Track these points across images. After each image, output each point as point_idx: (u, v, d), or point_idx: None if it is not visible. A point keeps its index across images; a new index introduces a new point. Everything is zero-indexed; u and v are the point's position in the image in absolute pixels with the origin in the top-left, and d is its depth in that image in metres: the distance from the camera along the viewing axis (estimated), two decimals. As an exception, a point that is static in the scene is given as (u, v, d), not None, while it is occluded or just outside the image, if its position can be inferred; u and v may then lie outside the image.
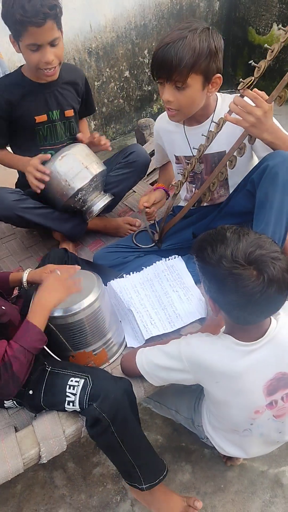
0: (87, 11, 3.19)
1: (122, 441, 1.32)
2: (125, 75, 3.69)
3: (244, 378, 1.23)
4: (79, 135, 2.00)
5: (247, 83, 1.43)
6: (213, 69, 1.49)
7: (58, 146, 2.00)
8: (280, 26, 3.88)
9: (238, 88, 1.43)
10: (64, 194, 1.86)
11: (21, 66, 1.90)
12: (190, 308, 1.64)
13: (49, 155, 1.90)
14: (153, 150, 2.46)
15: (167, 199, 2.01)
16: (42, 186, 1.82)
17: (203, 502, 1.60)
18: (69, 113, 1.99)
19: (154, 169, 2.48)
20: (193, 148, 1.65)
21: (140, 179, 2.18)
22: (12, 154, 1.99)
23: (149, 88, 3.93)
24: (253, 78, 1.42)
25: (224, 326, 1.33)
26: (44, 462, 1.33)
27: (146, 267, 1.77)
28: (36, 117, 1.92)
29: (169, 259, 1.80)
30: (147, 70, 3.82)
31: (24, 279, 1.51)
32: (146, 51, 3.73)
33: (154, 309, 1.65)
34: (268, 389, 1.25)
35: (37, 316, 1.30)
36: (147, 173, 2.38)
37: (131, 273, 1.76)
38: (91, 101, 2.13)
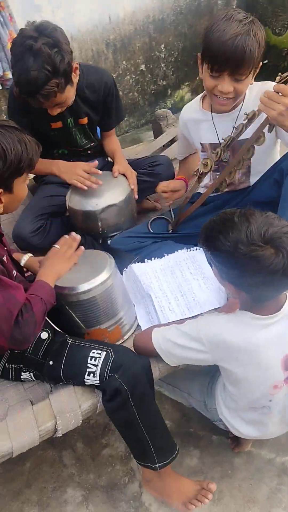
0: (107, 3, 3.22)
1: (139, 416, 1.34)
2: (140, 68, 3.71)
3: (263, 351, 1.25)
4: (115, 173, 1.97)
5: (285, 77, 1.44)
6: (260, 56, 1.53)
7: (79, 151, 2.05)
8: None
9: (276, 81, 1.44)
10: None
11: None
12: (209, 296, 1.65)
13: (96, 163, 1.91)
14: (169, 142, 2.48)
15: (186, 191, 2.03)
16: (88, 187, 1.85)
17: (210, 486, 1.62)
18: (83, 120, 2.00)
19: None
20: (222, 139, 1.66)
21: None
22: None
23: (164, 83, 3.95)
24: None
25: (239, 305, 1.34)
26: (59, 435, 1.34)
27: (167, 254, 1.79)
28: (51, 123, 1.94)
29: (190, 250, 1.81)
30: (163, 65, 3.84)
31: (22, 263, 1.56)
32: (162, 46, 3.75)
33: (173, 294, 1.66)
34: (286, 363, 1.27)
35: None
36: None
37: (152, 258, 1.78)
38: (118, 109, 2.07)
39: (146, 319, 1.66)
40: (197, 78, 4.17)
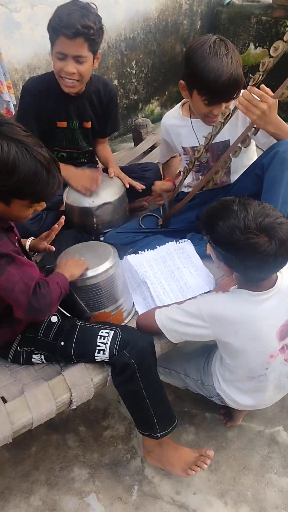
0: (82, 21, 3.39)
1: (145, 388, 1.47)
2: (113, 83, 3.89)
3: (260, 324, 1.41)
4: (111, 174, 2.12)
5: (257, 80, 1.64)
6: None
7: (76, 152, 2.18)
8: (256, 45, 4.21)
9: (250, 83, 1.64)
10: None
11: None
12: (199, 281, 1.81)
13: (100, 170, 2.07)
14: (149, 148, 2.66)
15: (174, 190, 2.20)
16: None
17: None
18: (87, 124, 2.16)
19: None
20: (203, 137, 1.84)
21: (149, 194, 2.32)
22: None
23: (135, 97, 4.15)
24: (261, 73, 1.63)
25: (236, 284, 1.51)
26: (74, 407, 1.45)
27: (159, 246, 1.94)
28: (57, 122, 2.08)
29: (179, 242, 1.97)
30: (134, 80, 4.04)
31: (27, 247, 1.67)
32: (133, 62, 3.96)
33: (167, 281, 1.81)
34: (281, 334, 1.44)
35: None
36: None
37: (145, 250, 1.92)
38: (115, 119, 2.24)
39: (143, 304, 1.79)
40: (165, 93, 4.40)
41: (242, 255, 1.31)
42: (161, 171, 2.34)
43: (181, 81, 1.81)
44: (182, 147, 2.05)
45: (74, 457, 1.79)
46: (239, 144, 1.77)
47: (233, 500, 1.65)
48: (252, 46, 4.26)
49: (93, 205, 1.99)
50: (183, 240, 1.98)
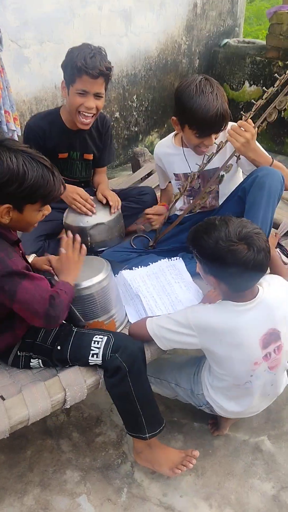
0: (87, 58, 3.64)
1: (134, 391, 1.57)
2: (115, 115, 4.13)
3: (243, 333, 1.54)
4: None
5: (248, 117, 1.84)
6: None
7: (72, 181, 2.35)
8: (251, 83, 4.46)
9: (243, 118, 1.84)
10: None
11: (60, 107, 2.26)
12: (189, 295, 1.94)
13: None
14: (146, 175, 2.85)
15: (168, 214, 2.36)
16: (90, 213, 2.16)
17: (194, 465, 1.83)
18: (88, 156, 2.35)
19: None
20: (196, 164, 2.02)
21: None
22: None
23: (136, 129, 4.37)
24: (250, 113, 1.83)
25: (221, 297, 1.64)
26: (68, 407, 1.56)
27: (151, 263, 2.08)
28: (59, 154, 2.26)
29: (171, 259, 2.11)
30: (135, 113, 4.27)
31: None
32: (134, 96, 4.20)
33: (158, 295, 1.94)
34: (263, 342, 1.56)
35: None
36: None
37: (139, 266, 2.05)
38: (110, 150, 2.43)
39: (135, 316, 1.92)
40: (165, 126, 4.63)
41: (226, 263, 1.46)
42: (158, 196, 2.51)
43: (173, 117, 2.01)
44: (174, 174, 2.22)
45: (67, 461, 1.88)
46: (222, 172, 1.94)
47: (217, 502, 1.73)
48: (247, 84, 4.51)
49: (87, 225, 2.15)
50: (175, 258, 2.12)
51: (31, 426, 1.92)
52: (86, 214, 2.16)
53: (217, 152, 1.93)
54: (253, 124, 1.85)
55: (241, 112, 1.91)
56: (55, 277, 1.70)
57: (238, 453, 1.91)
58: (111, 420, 2.03)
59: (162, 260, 2.09)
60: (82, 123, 2.13)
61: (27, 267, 1.52)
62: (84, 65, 1.96)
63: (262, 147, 1.96)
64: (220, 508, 1.72)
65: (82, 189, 2.24)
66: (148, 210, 2.28)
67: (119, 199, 2.29)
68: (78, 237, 1.74)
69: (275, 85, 1.82)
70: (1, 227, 1.48)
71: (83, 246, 1.73)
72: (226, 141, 1.88)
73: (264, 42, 4.47)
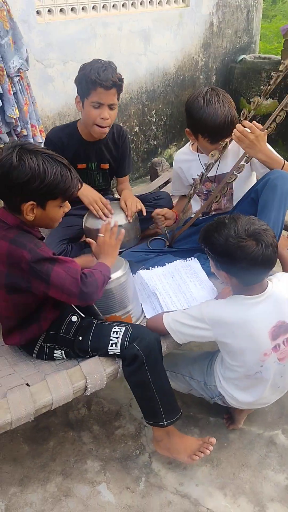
0: (107, 76, 3.82)
1: (151, 379, 1.66)
2: (135, 130, 4.28)
3: (253, 325, 1.62)
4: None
5: (246, 115, 1.96)
6: None
7: None
8: (267, 97, 4.56)
9: (240, 117, 1.96)
10: None
11: (77, 120, 2.41)
12: (204, 293, 2.03)
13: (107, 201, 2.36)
14: (164, 183, 2.97)
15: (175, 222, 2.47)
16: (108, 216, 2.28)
17: (209, 455, 1.89)
18: (105, 166, 2.48)
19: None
20: (204, 164, 2.14)
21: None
22: None
23: (155, 143, 4.52)
24: (251, 110, 1.95)
25: (232, 292, 1.73)
26: (88, 394, 1.66)
27: (167, 263, 2.18)
28: (78, 164, 2.40)
29: (187, 260, 2.21)
30: (154, 128, 4.42)
31: None
32: (153, 112, 4.36)
33: (174, 293, 2.03)
34: (272, 334, 1.64)
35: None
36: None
37: (156, 266, 2.16)
38: (128, 162, 2.55)
39: (152, 313, 2.01)
40: (183, 139, 4.77)
41: (236, 258, 1.56)
42: (174, 203, 2.62)
43: (187, 129, 2.16)
44: (193, 178, 2.34)
45: (88, 452, 1.96)
46: (235, 172, 2.05)
47: (232, 492, 1.79)
48: (263, 97, 4.62)
49: None
50: (190, 258, 2.22)
51: (53, 418, 2.05)
52: (101, 218, 2.28)
53: (220, 154, 2.07)
54: (261, 127, 1.96)
55: (242, 111, 2.01)
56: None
57: (253, 446, 1.96)
58: (130, 414, 2.11)
59: (177, 260, 2.19)
60: (99, 132, 2.26)
61: (55, 254, 1.64)
62: (98, 77, 2.09)
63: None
64: (235, 497, 1.77)
65: (101, 196, 2.36)
66: (157, 210, 2.38)
67: (140, 205, 2.39)
68: (116, 223, 1.86)
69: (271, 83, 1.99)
70: (26, 225, 1.60)
71: (122, 230, 1.84)
72: (231, 139, 1.99)
73: (279, 57, 4.59)
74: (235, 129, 1.95)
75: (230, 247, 1.57)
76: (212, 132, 2.01)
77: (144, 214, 2.37)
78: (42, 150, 1.54)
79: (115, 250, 1.80)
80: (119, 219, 2.30)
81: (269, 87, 2.00)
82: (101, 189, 2.55)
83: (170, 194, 2.69)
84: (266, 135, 1.96)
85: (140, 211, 2.37)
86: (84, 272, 1.60)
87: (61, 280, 1.54)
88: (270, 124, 1.98)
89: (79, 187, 1.64)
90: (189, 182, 2.42)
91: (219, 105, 1.97)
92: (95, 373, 1.66)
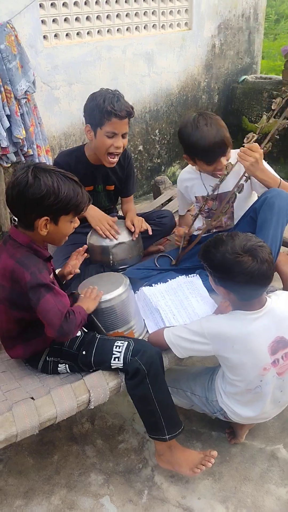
0: (112, 96, 3.92)
1: (153, 392, 1.70)
2: (139, 149, 4.37)
3: (253, 340, 1.66)
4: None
5: (251, 138, 2.03)
6: None
7: None
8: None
9: (245, 141, 2.03)
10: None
11: (84, 144, 2.48)
12: (206, 308, 2.07)
13: (116, 219, 2.45)
14: (167, 201, 3.04)
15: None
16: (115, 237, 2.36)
17: (211, 469, 1.92)
18: (110, 187, 2.57)
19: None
20: (210, 186, 2.21)
21: (164, 236, 2.71)
22: None
23: (158, 161, 4.61)
24: (255, 135, 2.04)
25: (231, 308, 1.78)
26: (92, 407, 1.70)
27: (170, 279, 2.23)
28: (85, 187, 2.46)
29: (189, 276, 2.26)
30: (157, 146, 4.51)
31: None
32: (157, 131, 4.45)
33: (176, 308, 2.08)
34: (272, 349, 1.68)
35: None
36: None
37: (158, 283, 2.21)
38: (132, 182, 2.64)
39: (155, 329, 2.05)
40: (187, 157, 4.85)
41: (232, 273, 1.61)
42: (177, 220, 2.69)
43: (184, 155, 2.25)
44: (195, 197, 2.41)
45: (92, 465, 1.99)
46: (235, 191, 2.12)
47: (234, 505, 1.81)
48: (264, 117, 4.70)
49: (109, 244, 2.33)
50: (192, 275, 2.27)
51: (58, 433, 2.09)
52: (108, 238, 2.35)
53: (227, 173, 2.12)
54: (260, 147, 2.05)
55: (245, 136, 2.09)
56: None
57: (255, 460, 1.98)
58: (133, 428, 2.15)
59: (180, 276, 2.24)
60: (110, 163, 2.34)
61: (54, 283, 1.70)
62: (113, 108, 2.16)
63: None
64: (237, 511, 1.79)
65: (109, 216, 2.44)
66: (178, 233, 2.47)
67: (146, 225, 2.46)
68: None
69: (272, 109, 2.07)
70: (37, 244, 1.68)
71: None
72: (236, 162, 2.06)
73: (280, 77, 4.69)
74: (239, 151, 2.03)
75: (227, 262, 1.62)
76: (205, 154, 2.11)
77: (150, 233, 2.44)
78: (55, 169, 1.63)
79: (94, 302, 1.84)
80: (123, 236, 2.37)
81: (272, 111, 2.09)
82: (107, 209, 2.62)
83: (173, 212, 2.75)
84: (263, 154, 2.03)
85: (146, 230, 2.43)
86: (69, 309, 1.66)
87: (48, 308, 1.60)
88: (265, 144, 2.07)
89: (88, 203, 1.73)
90: (191, 200, 2.48)
91: (206, 128, 2.06)
92: (98, 386, 1.70)
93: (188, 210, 2.65)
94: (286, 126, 2.09)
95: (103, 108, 2.17)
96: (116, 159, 2.35)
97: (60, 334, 1.64)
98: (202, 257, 1.75)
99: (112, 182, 2.54)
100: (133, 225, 2.43)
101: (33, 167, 1.59)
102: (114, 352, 1.73)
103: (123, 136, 2.28)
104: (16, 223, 1.70)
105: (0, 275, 1.65)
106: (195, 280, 2.24)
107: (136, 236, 2.41)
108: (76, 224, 1.72)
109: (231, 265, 1.61)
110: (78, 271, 1.99)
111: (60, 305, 1.62)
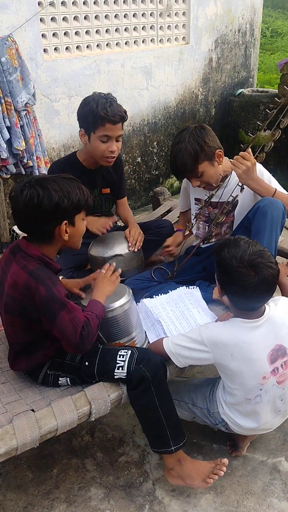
0: (111, 109, 3.95)
1: (158, 401, 1.69)
2: (137, 160, 4.40)
3: (252, 348, 1.66)
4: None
5: (245, 149, 2.06)
6: (210, 152, 2.14)
7: (96, 215, 2.56)
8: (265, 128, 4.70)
9: (241, 150, 2.06)
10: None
11: (76, 152, 2.50)
12: (206, 319, 2.07)
13: (115, 218, 2.49)
14: (166, 212, 3.04)
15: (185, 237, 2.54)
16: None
17: (213, 484, 1.89)
18: (106, 191, 2.57)
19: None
20: (205, 196, 2.24)
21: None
22: None
23: (156, 173, 4.63)
24: (248, 146, 2.06)
25: (232, 315, 1.78)
26: (92, 420, 1.68)
27: (170, 290, 2.23)
28: None
29: (189, 288, 2.26)
30: (155, 158, 4.54)
31: None
32: (155, 143, 4.48)
33: (178, 319, 2.07)
34: (271, 357, 1.67)
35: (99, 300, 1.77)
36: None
37: (159, 294, 2.21)
38: (122, 186, 2.66)
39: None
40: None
41: (230, 279, 1.62)
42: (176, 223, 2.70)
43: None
44: (195, 198, 2.45)
45: (92, 479, 1.97)
46: (229, 201, 2.17)
47: (236, 520, 1.79)
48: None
49: (107, 255, 2.34)
50: (192, 286, 2.26)
51: (57, 445, 2.06)
52: (101, 232, 2.39)
53: (222, 182, 2.20)
54: (252, 156, 2.08)
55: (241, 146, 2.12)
56: (83, 302, 1.87)
57: (256, 473, 1.96)
58: (133, 441, 2.12)
59: (180, 287, 2.24)
60: (108, 162, 2.35)
61: (67, 295, 1.70)
62: (106, 114, 2.18)
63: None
64: (239, 525, 1.77)
65: (102, 218, 2.47)
66: (168, 243, 2.45)
67: (141, 236, 2.45)
68: (113, 263, 1.95)
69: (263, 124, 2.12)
70: (48, 257, 1.69)
71: (119, 271, 1.92)
72: (230, 172, 2.09)
73: (276, 91, 4.75)
74: (233, 159, 2.05)
75: (229, 267, 1.63)
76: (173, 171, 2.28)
77: (135, 250, 2.42)
78: (53, 176, 1.69)
79: (112, 286, 1.85)
80: (121, 248, 2.37)
81: (266, 121, 2.11)
82: (104, 214, 2.62)
83: (173, 222, 2.76)
84: (256, 164, 2.06)
85: (144, 240, 2.44)
86: (83, 323, 1.64)
87: (64, 326, 1.60)
88: (259, 154, 2.10)
89: (91, 195, 1.79)
90: (191, 199, 2.50)
91: (174, 153, 2.19)
92: (99, 398, 1.69)
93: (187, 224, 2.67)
94: (278, 137, 2.11)
95: (97, 113, 2.18)
96: (112, 160, 2.36)
97: (78, 350, 1.66)
98: (215, 250, 1.75)
99: (107, 185, 2.56)
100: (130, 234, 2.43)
101: (35, 180, 1.62)
102: (118, 361, 1.72)
103: (117, 139, 2.29)
104: (27, 237, 1.72)
105: (10, 286, 1.64)
106: (195, 292, 2.23)
107: (131, 248, 2.39)
108: (85, 221, 1.77)
109: (231, 271, 1.62)
110: (84, 296, 1.97)
111: (75, 321, 1.62)
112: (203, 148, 2.14)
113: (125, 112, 2.28)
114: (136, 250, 2.39)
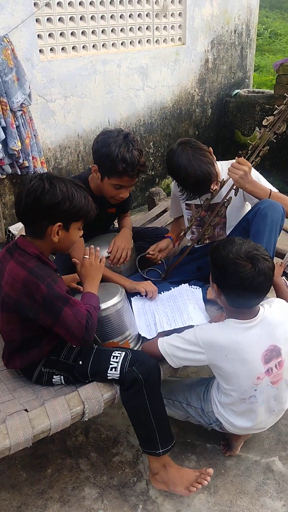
0: (107, 110, 3.95)
1: (149, 403, 1.69)
2: (133, 161, 4.40)
3: (246, 348, 1.66)
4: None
5: (243, 154, 2.07)
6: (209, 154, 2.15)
7: (96, 232, 2.50)
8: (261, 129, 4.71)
9: (237, 156, 2.06)
10: None
11: (88, 175, 2.32)
12: (200, 315, 2.06)
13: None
14: (161, 212, 3.05)
15: (173, 245, 2.53)
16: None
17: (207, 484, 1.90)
18: (112, 210, 2.50)
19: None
20: (201, 199, 2.23)
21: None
22: None
23: (153, 173, 4.64)
24: (247, 151, 2.07)
25: (226, 316, 1.78)
26: (86, 419, 1.68)
27: (165, 291, 2.23)
28: None
29: (192, 286, 2.25)
30: (151, 159, 4.55)
31: None
32: (151, 143, 4.49)
33: (172, 312, 2.07)
34: (265, 358, 1.68)
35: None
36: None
37: (162, 292, 2.21)
38: (129, 204, 2.54)
39: (145, 330, 2.03)
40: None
41: (227, 272, 1.62)
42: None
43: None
44: (186, 204, 2.44)
45: (86, 479, 1.97)
46: (225, 204, 2.16)
47: (229, 519, 1.80)
48: (257, 134, 4.76)
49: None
50: (196, 287, 2.26)
51: (51, 445, 2.06)
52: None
53: (220, 187, 2.16)
54: (248, 161, 2.08)
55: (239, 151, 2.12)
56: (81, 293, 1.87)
57: (250, 473, 1.97)
58: (127, 441, 2.13)
59: (183, 285, 2.24)
60: (115, 201, 2.27)
61: (68, 291, 1.71)
62: (125, 169, 2.03)
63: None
64: (232, 524, 1.77)
65: None
66: (150, 250, 2.44)
67: (124, 252, 2.34)
68: (97, 248, 1.90)
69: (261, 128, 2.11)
70: (45, 255, 1.69)
71: (104, 256, 1.91)
72: (228, 178, 2.09)
73: (272, 92, 4.76)
74: (230, 166, 2.06)
75: (226, 261, 1.64)
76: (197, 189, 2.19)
77: (118, 265, 2.36)
78: (66, 179, 1.69)
79: (99, 272, 1.86)
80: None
81: (264, 128, 2.12)
82: (105, 230, 2.60)
83: (167, 223, 2.76)
84: (251, 168, 2.07)
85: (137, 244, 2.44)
86: (87, 316, 1.65)
87: (68, 322, 1.62)
88: (255, 158, 2.10)
89: (96, 211, 1.77)
90: (182, 207, 2.50)
91: (192, 166, 2.08)
92: (92, 398, 1.69)
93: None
94: (273, 139, 2.12)
95: (115, 163, 2.03)
96: (121, 200, 2.27)
97: (84, 342, 1.67)
98: (210, 251, 1.76)
99: (112, 206, 2.45)
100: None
101: (47, 175, 1.64)
102: (111, 362, 1.72)
103: (130, 186, 2.22)
104: (23, 234, 1.73)
105: (9, 284, 1.65)
106: (196, 291, 2.23)
107: (112, 265, 2.32)
108: (81, 232, 1.76)
109: (228, 264, 1.63)
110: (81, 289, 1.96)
111: (79, 315, 1.63)
112: (205, 152, 2.14)
113: (144, 163, 2.13)
114: (117, 266, 2.34)
